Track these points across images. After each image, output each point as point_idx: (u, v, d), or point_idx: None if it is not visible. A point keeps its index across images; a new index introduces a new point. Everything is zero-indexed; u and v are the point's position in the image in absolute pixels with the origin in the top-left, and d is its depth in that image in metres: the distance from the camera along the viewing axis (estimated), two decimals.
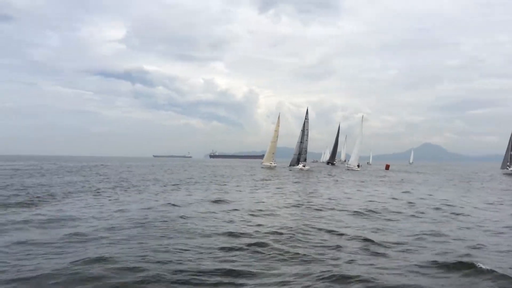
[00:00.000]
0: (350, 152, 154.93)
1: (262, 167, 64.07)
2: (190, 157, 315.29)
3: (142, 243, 8.88)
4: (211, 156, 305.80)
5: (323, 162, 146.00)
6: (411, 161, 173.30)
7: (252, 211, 14.27)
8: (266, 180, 34.28)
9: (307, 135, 61.85)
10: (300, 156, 61.38)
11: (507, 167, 60.49)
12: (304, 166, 59.98)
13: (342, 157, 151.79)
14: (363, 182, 33.90)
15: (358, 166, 65.66)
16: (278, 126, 65.09)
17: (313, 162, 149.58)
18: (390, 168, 79.66)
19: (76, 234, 9.70)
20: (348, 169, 62.74)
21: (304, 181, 34.34)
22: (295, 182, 31.79)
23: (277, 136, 65.06)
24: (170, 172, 46.60)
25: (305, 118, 62.27)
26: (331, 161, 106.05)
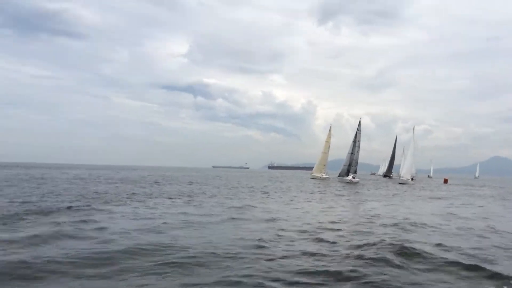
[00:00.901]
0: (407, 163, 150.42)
1: (311, 178, 64.01)
2: (248, 168, 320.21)
3: None
4: (269, 167, 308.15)
5: (379, 175, 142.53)
6: (476, 175, 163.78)
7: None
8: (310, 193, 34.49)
9: (359, 147, 61.15)
10: (350, 167, 60.70)
11: None
12: (353, 177, 59.19)
13: (413, 171, 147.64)
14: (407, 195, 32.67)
15: (412, 179, 63.45)
16: (330, 137, 64.98)
17: (371, 174, 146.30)
18: (449, 182, 76.55)
19: None
20: (400, 183, 60.81)
21: (350, 194, 34.00)
22: (338, 195, 31.36)
23: (329, 147, 64.98)
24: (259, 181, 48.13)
25: (357, 129, 61.65)
26: (387, 174, 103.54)
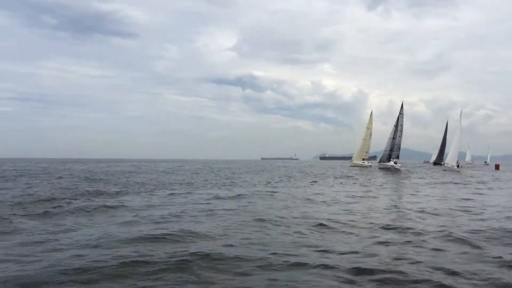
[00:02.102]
0: (464, 151, 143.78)
1: (351, 166, 62.83)
2: (297, 159, 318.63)
3: None
4: (321, 158, 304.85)
5: (431, 163, 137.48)
6: None
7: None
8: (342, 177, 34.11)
9: (401, 131, 59.27)
10: (392, 152, 58.96)
11: None
12: (395, 163, 57.43)
13: (467, 158, 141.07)
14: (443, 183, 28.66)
15: (458, 166, 60.47)
16: (371, 123, 63.40)
17: (424, 162, 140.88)
18: (502, 169, 72.28)
19: None
20: (445, 170, 58.25)
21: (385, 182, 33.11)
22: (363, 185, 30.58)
23: (370, 134, 63.44)
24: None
25: (400, 113, 59.74)
26: (437, 162, 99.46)
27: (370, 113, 63.90)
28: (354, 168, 58.60)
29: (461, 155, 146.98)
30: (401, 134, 59.15)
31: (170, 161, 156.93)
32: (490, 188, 23.42)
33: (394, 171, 50.99)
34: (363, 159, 63.33)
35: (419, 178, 33.57)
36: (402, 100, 61.94)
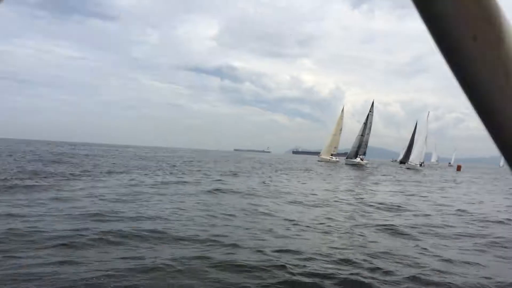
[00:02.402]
0: (429, 151, 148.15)
1: (318, 161, 63.65)
2: (269, 152, 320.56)
3: None
4: (294, 152, 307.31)
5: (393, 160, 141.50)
6: (501, 164, 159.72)
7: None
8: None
9: (370, 129, 60.72)
10: (359, 149, 60.36)
11: None
12: (362, 159, 58.89)
13: (433, 159, 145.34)
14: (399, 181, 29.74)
15: (421, 165, 62.66)
16: (342, 119, 64.36)
17: (392, 161, 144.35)
18: (463, 170, 75.16)
19: None
20: (408, 168, 60.19)
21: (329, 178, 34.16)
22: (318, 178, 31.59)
23: (340, 130, 64.42)
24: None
25: (370, 111, 61.10)
26: (403, 160, 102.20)
27: (341, 109, 64.89)
28: (321, 163, 59.44)
29: (428, 156, 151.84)
30: (369, 132, 60.62)
31: (144, 148, 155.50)
32: (428, 187, 23.80)
33: (359, 167, 52.35)
34: (331, 155, 64.16)
35: (382, 175, 34.69)
36: (378, 99, 63.31)
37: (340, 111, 64.48)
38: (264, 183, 19.09)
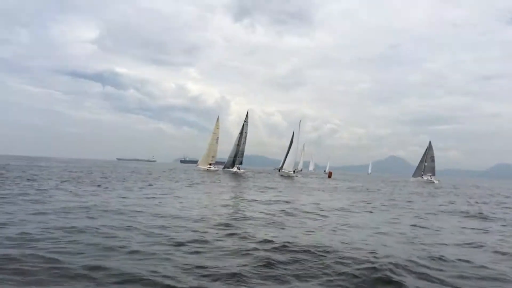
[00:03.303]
0: (308, 159, 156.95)
1: (195, 170, 62.78)
2: (154, 161, 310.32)
3: None
4: (181, 161, 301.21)
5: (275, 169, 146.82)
6: (369, 171, 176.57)
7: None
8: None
9: (245, 138, 61.39)
10: (236, 158, 60.80)
11: (421, 176, 69.13)
12: (239, 169, 59.49)
13: (311, 167, 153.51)
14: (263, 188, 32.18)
15: (294, 171, 65.31)
16: (218, 128, 64.01)
17: (274, 169, 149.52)
18: (334, 177, 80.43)
19: None
20: (282, 175, 62.24)
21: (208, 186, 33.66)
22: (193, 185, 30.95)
23: (217, 139, 64.11)
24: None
25: (245, 121, 61.85)
26: (280, 168, 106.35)
27: (217, 118, 64.65)
28: (199, 171, 58.47)
29: (306, 164, 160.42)
30: (245, 141, 61.29)
31: (11, 157, 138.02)
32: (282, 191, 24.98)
33: (235, 175, 52.53)
34: (209, 164, 63.69)
35: (252, 182, 34.85)
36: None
37: (216, 121, 64.21)
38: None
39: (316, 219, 13.16)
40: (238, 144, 60.90)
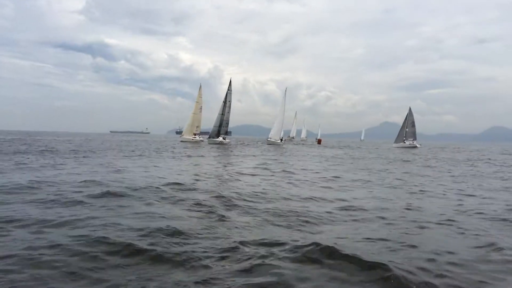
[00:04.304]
0: (300, 127, 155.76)
1: (181, 141, 61.43)
2: (148, 133, 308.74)
3: None
4: (176, 132, 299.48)
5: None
6: (362, 138, 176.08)
7: None
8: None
9: (229, 107, 59.55)
10: (221, 128, 59.17)
11: (404, 141, 69.53)
12: (224, 138, 58.07)
13: (303, 134, 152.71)
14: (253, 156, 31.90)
15: (281, 140, 64.00)
16: (200, 97, 62.15)
17: (267, 139, 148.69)
18: (323, 144, 79.48)
19: None
20: (268, 144, 61.08)
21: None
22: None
23: (200, 108, 62.38)
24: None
25: (228, 89, 59.79)
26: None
27: (199, 87, 62.69)
28: (184, 143, 57.21)
29: (299, 132, 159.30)
30: (229, 110, 59.51)
31: (3, 132, 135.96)
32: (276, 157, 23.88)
33: (220, 146, 51.35)
34: (194, 134, 62.30)
35: (236, 151, 33.61)
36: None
37: (199, 89, 62.19)
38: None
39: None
40: (222, 113, 59.08)
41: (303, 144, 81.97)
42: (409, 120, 70.79)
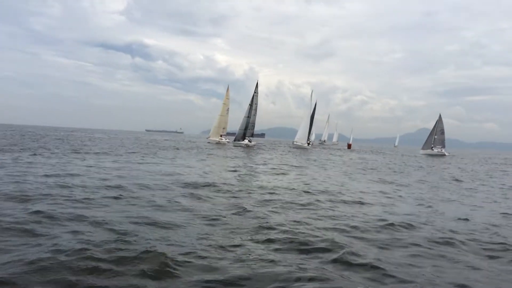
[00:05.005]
0: (333, 131, 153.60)
1: (208, 143, 61.56)
2: (182, 132, 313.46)
3: None
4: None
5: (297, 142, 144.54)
6: (396, 144, 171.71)
7: None
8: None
9: (256, 110, 59.31)
10: (246, 131, 58.94)
11: (432, 148, 67.48)
12: (250, 141, 57.75)
13: (334, 138, 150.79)
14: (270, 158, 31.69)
15: (308, 143, 63.03)
16: (228, 98, 62.03)
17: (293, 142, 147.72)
18: (353, 148, 77.86)
19: None
20: (294, 147, 60.31)
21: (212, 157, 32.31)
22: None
23: (227, 110, 62.32)
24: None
25: (254, 92, 59.56)
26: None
27: (227, 88, 62.61)
28: (210, 144, 57.41)
29: (331, 136, 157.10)
30: (256, 113, 59.27)
31: (49, 129, 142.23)
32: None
33: (245, 148, 51.16)
34: (220, 136, 62.40)
35: (261, 154, 33.43)
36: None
37: (226, 91, 62.14)
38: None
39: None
40: (248, 116, 58.90)
41: (332, 148, 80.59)
42: (439, 127, 68.83)
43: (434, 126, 69.35)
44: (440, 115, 69.97)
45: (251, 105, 59.09)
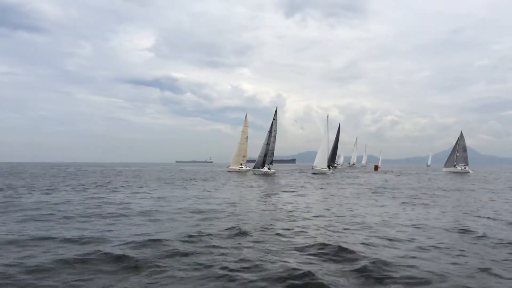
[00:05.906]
0: (361, 154, 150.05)
1: (228, 171, 60.92)
2: (211, 162, 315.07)
3: None
4: None
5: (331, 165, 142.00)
6: (429, 163, 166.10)
7: None
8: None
9: (275, 137, 58.34)
10: (266, 158, 57.90)
11: (454, 166, 67.05)
12: (269, 169, 56.49)
13: (364, 160, 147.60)
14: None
15: (329, 168, 60.55)
16: (246, 126, 61.85)
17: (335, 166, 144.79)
18: (381, 169, 75.25)
19: None
20: (313, 172, 57.79)
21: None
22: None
23: (246, 138, 61.90)
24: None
25: (273, 119, 58.74)
26: (330, 164, 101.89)
27: (245, 116, 62.27)
28: (231, 173, 56.84)
29: (360, 158, 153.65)
30: (275, 140, 58.31)
31: (83, 165, 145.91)
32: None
33: (266, 175, 49.91)
34: (240, 164, 61.91)
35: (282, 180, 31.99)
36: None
37: (244, 119, 61.87)
38: None
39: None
40: (267, 143, 57.95)
41: (360, 170, 78.22)
42: (460, 144, 68.00)
43: (456, 143, 68.58)
44: (461, 132, 69.03)
45: (270, 132, 58.28)
